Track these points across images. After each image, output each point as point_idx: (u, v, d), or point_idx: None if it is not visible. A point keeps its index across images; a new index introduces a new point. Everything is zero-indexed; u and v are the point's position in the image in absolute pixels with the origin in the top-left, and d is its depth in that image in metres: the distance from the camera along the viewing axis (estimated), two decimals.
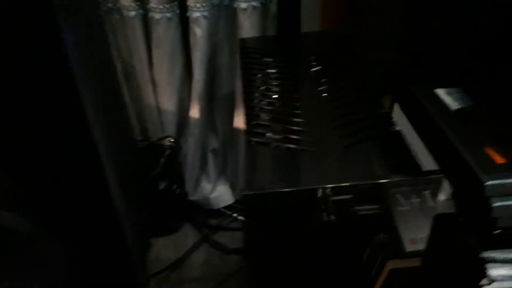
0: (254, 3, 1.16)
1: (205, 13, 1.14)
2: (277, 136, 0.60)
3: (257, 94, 0.71)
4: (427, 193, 0.72)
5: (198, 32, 1.17)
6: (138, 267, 0.93)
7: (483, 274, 0.69)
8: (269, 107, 0.67)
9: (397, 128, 0.85)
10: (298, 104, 0.68)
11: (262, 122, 0.63)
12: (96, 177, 0.71)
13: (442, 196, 0.68)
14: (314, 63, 0.83)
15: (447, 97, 0.72)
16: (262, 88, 0.73)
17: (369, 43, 1.11)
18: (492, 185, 0.55)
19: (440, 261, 0.80)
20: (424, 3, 0.73)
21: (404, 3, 0.80)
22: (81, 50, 0.65)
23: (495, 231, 0.58)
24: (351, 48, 1.06)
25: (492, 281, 0.68)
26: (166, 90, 1.32)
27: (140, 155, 1.36)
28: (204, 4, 1.14)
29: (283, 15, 1.20)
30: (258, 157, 0.56)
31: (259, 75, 0.79)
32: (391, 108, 0.90)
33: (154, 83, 1.33)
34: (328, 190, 0.50)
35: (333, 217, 0.53)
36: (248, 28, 1.19)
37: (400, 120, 0.84)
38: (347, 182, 0.49)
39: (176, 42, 1.23)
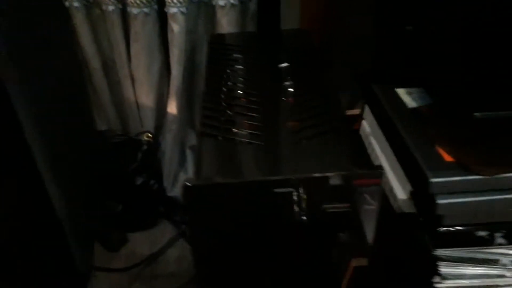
0: (232, 1, 1.16)
1: (183, 9, 1.15)
2: (230, 129, 0.60)
3: (218, 89, 0.71)
4: (389, 192, 0.73)
5: (176, 28, 1.18)
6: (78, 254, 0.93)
7: (436, 272, 0.70)
8: (228, 102, 0.67)
9: (364, 127, 0.86)
10: (258, 99, 0.68)
11: (218, 116, 0.63)
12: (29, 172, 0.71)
13: (403, 195, 0.69)
14: (284, 60, 0.84)
15: (406, 96, 0.73)
16: (225, 82, 0.74)
17: (341, 43, 1.11)
18: (438, 183, 0.56)
19: (398, 259, 0.80)
20: (396, 7, 0.74)
21: (376, 7, 0.81)
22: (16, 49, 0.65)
23: (442, 228, 0.59)
24: (323, 47, 1.07)
25: (444, 279, 0.69)
26: (144, 86, 1.32)
27: (115, 150, 1.36)
28: (181, 0, 1.14)
29: (262, 13, 1.21)
30: (207, 150, 0.56)
31: (227, 70, 0.79)
32: (363, 108, 0.91)
33: (133, 78, 1.33)
34: (273, 182, 0.50)
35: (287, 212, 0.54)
36: (226, 25, 1.19)
37: (369, 119, 0.85)
38: (289, 176, 0.50)
39: (154, 37, 1.23)
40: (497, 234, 0.70)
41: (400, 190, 0.68)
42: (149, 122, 1.39)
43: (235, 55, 0.86)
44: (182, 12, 1.15)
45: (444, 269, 0.69)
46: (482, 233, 0.71)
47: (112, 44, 1.29)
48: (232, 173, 0.52)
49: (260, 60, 0.86)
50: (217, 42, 0.92)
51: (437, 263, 0.70)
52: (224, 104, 0.66)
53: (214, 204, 0.51)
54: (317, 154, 0.56)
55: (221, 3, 1.16)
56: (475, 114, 0.64)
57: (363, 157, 0.56)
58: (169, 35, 1.21)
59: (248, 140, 0.56)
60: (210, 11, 1.21)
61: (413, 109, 0.67)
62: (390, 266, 0.83)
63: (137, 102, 1.37)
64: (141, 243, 1.40)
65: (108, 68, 1.36)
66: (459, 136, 0.61)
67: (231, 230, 0.55)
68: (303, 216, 0.55)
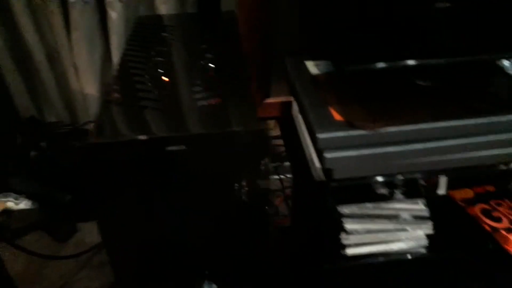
0: None
1: None
2: (134, 97, 0.63)
3: (135, 65, 0.74)
4: (310, 162, 0.77)
5: (114, 15, 1.20)
6: None
7: (342, 229, 0.75)
8: (139, 74, 0.70)
9: (293, 106, 0.90)
10: (168, 73, 0.72)
11: (125, 86, 0.66)
12: None
13: (319, 164, 0.73)
14: (208, 40, 0.87)
15: (313, 67, 0.77)
16: (143, 60, 0.77)
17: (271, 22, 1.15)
18: (324, 138, 0.60)
19: (317, 222, 0.85)
20: None
21: None
22: None
23: (333, 183, 0.63)
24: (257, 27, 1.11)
25: (349, 234, 0.74)
26: (88, 74, 1.33)
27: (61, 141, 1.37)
28: None
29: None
30: (106, 116, 0.59)
31: (149, 50, 0.82)
32: None
33: (76, 68, 1.34)
34: (163, 140, 0.53)
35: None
36: (165, 11, 1.22)
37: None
38: (177, 133, 0.53)
39: (94, 25, 1.25)
40: (397, 191, 0.76)
41: (316, 159, 0.73)
42: (95, 111, 1.40)
43: (160, 36, 0.89)
44: (119, 0, 1.17)
45: (349, 225, 0.74)
46: (383, 190, 0.77)
47: (54, 34, 1.30)
48: (125, 134, 0.54)
49: (184, 40, 0.89)
50: (144, 23, 0.95)
51: (342, 220, 0.75)
52: (134, 77, 0.69)
53: (108, 164, 0.54)
54: (211, 117, 0.60)
55: None
56: (363, 77, 0.69)
57: (252, 122, 0.58)
58: (108, 23, 1.22)
59: (154, 106, 0.59)
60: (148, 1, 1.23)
61: (313, 76, 0.72)
62: (311, 230, 0.88)
63: (82, 91, 1.38)
64: (90, 233, 1.40)
65: (53, 59, 1.37)
66: (347, 97, 0.66)
67: (128, 191, 0.58)
68: (198, 174, 0.58)
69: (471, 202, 0.85)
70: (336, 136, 0.60)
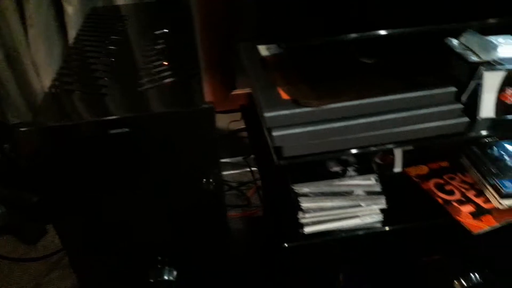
0: None
1: None
2: (80, 84, 0.63)
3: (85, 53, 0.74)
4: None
5: (70, 10, 1.18)
6: None
7: (299, 207, 0.76)
8: (89, 62, 0.70)
9: None
10: (119, 59, 0.71)
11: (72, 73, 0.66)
12: None
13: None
14: (163, 27, 0.87)
15: (264, 51, 0.78)
16: (94, 49, 0.76)
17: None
18: (271, 117, 0.61)
19: (272, 203, 0.86)
20: None
21: None
22: None
23: (282, 161, 0.64)
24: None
25: (306, 212, 0.75)
26: (48, 72, 1.30)
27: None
28: None
29: None
30: (49, 102, 0.58)
31: (103, 39, 0.81)
32: None
33: (36, 66, 1.31)
34: (105, 122, 0.53)
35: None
36: (123, 3, 1.21)
37: None
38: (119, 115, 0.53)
39: (50, 21, 1.23)
40: (349, 168, 0.78)
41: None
42: None
43: (112, 25, 0.89)
44: None
45: (305, 204, 0.76)
46: (336, 168, 0.78)
47: (11, 32, 1.27)
48: (67, 119, 0.54)
49: (139, 27, 0.89)
50: (97, 14, 0.95)
51: (298, 199, 0.76)
52: (83, 65, 0.68)
53: (52, 149, 0.54)
54: (157, 100, 0.60)
55: None
56: (309, 57, 0.71)
57: (197, 102, 0.59)
58: (65, 18, 1.20)
59: (99, 92, 0.59)
60: None
61: (262, 58, 0.73)
62: (272, 211, 0.89)
63: (44, 90, 1.35)
64: None
65: (12, 58, 1.33)
66: (294, 77, 0.67)
67: (75, 176, 0.58)
68: (145, 157, 0.58)
69: (426, 177, 0.88)
70: (283, 114, 0.61)
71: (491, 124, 0.70)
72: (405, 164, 0.94)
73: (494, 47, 0.84)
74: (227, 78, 1.35)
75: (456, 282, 0.96)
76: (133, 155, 0.58)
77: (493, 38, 0.90)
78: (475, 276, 0.95)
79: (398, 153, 0.91)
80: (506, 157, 0.87)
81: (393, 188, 0.88)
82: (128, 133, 0.55)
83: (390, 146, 0.66)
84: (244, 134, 1.45)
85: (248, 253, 1.19)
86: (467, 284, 0.94)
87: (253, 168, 1.49)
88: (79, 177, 0.58)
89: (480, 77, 0.69)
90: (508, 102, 0.69)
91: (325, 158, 0.67)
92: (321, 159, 0.67)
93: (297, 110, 0.61)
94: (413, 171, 0.89)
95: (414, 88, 0.64)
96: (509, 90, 0.68)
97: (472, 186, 0.85)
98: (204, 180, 0.63)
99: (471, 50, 0.86)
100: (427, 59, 0.77)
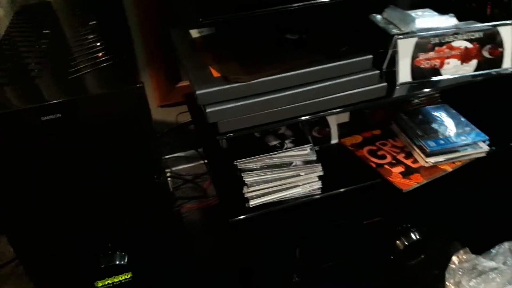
0: None
1: None
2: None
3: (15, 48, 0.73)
4: None
5: (1, 12, 1.14)
6: None
7: (243, 182, 0.79)
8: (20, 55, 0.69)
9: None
10: (46, 50, 0.71)
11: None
12: None
13: None
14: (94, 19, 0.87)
15: (196, 34, 0.80)
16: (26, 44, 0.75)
17: None
18: (203, 94, 0.64)
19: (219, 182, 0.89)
20: None
21: None
22: None
23: (219, 136, 0.67)
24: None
25: (250, 186, 0.78)
26: None
27: None
28: None
29: None
30: None
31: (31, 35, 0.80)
32: None
33: None
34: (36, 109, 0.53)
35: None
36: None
37: None
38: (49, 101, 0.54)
39: None
40: (287, 141, 0.82)
41: None
42: None
43: (44, 20, 0.87)
44: None
45: (247, 178, 0.79)
46: (274, 142, 0.82)
47: None
48: None
49: (71, 20, 0.89)
50: (27, 11, 0.93)
51: (241, 174, 0.80)
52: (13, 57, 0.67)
53: None
54: (88, 84, 0.61)
55: None
56: (237, 36, 0.74)
57: (126, 83, 0.60)
58: None
59: (24, 82, 0.59)
60: None
61: (192, 40, 0.75)
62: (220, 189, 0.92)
63: None
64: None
65: None
66: (224, 55, 0.70)
67: (14, 171, 0.58)
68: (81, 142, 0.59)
69: (360, 145, 0.94)
70: (214, 90, 0.64)
71: (409, 87, 0.76)
72: (343, 136, 1.00)
73: (412, 19, 0.91)
74: (170, 70, 1.36)
75: (398, 241, 1.03)
76: (70, 142, 0.58)
77: (413, 12, 0.98)
78: (414, 234, 1.03)
79: (333, 126, 0.97)
80: (430, 121, 0.95)
81: (331, 159, 0.93)
82: (61, 118, 0.55)
83: (319, 114, 0.70)
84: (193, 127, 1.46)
85: (204, 240, 1.21)
86: (407, 242, 1.02)
87: (206, 160, 1.51)
88: (19, 172, 0.58)
89: (396, 45, 0.75)
90: (422, 66, 0.75)
91: (258, 130, 0.70)
92: (255, 131, 0.70)
93: (228, 86, 0.64)
94: (349, 141, 0.95)
95: (334, 59, 0.68)
96: (422, 55, 0.75)
97: (402, 149, 0.91)
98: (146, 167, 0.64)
99: (393, 23, 0.93)
100: (349, 33, 0.82)
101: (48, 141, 0.57)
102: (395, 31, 0.92)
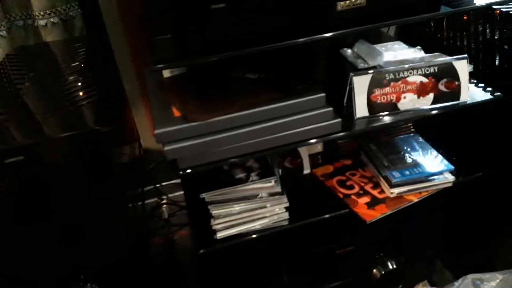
0: (52, 20, 1.22)
1: (2, 33, 1.18)
2: None
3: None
4: None
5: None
6: None
7: (210, 215, 0.80)
8: None
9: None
10: (28, 95, 0.75)
11: None
12: None
13: None
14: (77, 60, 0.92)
15: (167, 74, 0.84)
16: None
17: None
18: (161, 133, 0.66)
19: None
20: None
21: None
22: None
23: (181, 172, 0.69)
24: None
25: (216, 219, 0.80)
26: None
27: None
28: (2, 23, 1.17)
29: (88, 28, 1.28)
30: None
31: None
32: None
33: None
34: None
35: None
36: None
37: None
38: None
39: None
40: (253, 173, 0.84)
41: None
42: None
43: (32, 62, 0.93)
44: (1, 36, 1.19)
45: (214, 210, 0.81)
46: (240, 175, 0.84)
47: None
48: None
49: (58, 63, 0.94)
50: (20, 52, 0.99)
51: (208, 207, 0.81)
52: None
53: None
54: (54, 127, 0.64)
55: (42, 23, 1.22)
56: (202, 77, 0.77)
57: (85, 126, 0.63)
58: None
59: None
60: (36, 31, 1.26)
61: (161, 80, 0.78)
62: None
63: None
64: None
65: None
66: (186, 95, 0.73)
67: None
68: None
69: (330, 176, 0.94)
70: (172, 129, 0.66)
71: (366, 122, 0.77)
72: (316, 166, 1.01)
73: (379, 53, 0.93)
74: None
75: (375, 270, 1.02)
76: (34, 181, 0.61)
77: (382, 45, 1.00)
78: (390, 262, 1.01)
79: (305, 156, 0.98)
80: (398, 151, 0.95)
81: (302, 189, 0.94)
82: (24, 161, 0.58)
83: (274, 150, 0.72)
84: None
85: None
86: (384, 270, 1.00)
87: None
88: None
89: (352, 82, 0.76)
90: (378, 101, 0.76)
91: (217, 166, 0.72)
92: (214, 167, 0.72)
93: (185, 125, 0.66)
94: (320, 171, 0.96)
95: (289, 97, 0.70)
96: (378, 91, 0.76)
97: (370, 179, 0.92)
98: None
99: (361, 57, 0.95)
100: (308, 71, 0.85)
101: (12, 181, 0.60)
102: (362, 65, 0.93)
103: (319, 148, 1.02)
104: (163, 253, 1.39)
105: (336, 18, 0.62)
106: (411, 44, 0.97)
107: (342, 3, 0.61)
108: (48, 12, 1.22)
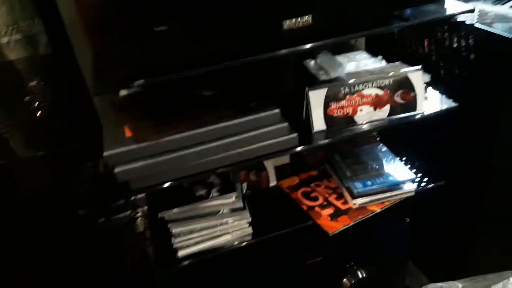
0: (14, 37, 1.20)
1: None
2: None
3: None
4: None
5: None
6: None
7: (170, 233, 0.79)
8: None
9: None
10: None
11: None
12: None
13: None
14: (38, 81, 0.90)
15: (123, 92, 0.82)
16: None
17: None
18: (110, 155, 0.64)
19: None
20: None
21: None
22: None
23: (131, 193, 0.67)
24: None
25: (177, 237, 0.78)
26: None
27: None
28: None
29: (53, 43, 1.26)
30: None
31: None
32: None
33: None
34: None
35: None
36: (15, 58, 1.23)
37: None
38: None
39: None
40: (214, 190, 0.82)
41: None
42: None
43: None
44: None
45: (174, 228, 0.79)
46: (201, 192, 0.82)
47: None
48: None
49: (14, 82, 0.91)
50: None
51: (167, 225, 0.79)
52: None
53: None
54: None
55: (4, 40, 1.19)
56: (155, 95, 0.76)
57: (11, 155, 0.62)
58: None
59: None
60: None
61: (112, 100, 0.77)
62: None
63: None
64: None
65: None
66: (139, 115, 0.71)
67: None
68: None
69: (296, 187, 0.93)
70: (122, 151, 0.64)
71: (324, 135, 0.77)
72: (283, 177, 1.00)
73: (340, 65, 0.93)
74: None
75: (345, 279, 1.01)
76: None
77: (345, 56, 1.00)
78: (361, 272, 1.00)
79: (270, 169, 0.97)
80: (361, 161, 0.94)
81: (267, 202, 0.93)
82: None
83: (229, 168, 0.71)
84: None
85: None
86: (354, 280, 1.00)
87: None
88: None
89: (308, 97, 0.76)
90: (335, 115, 0.76)
91: (172, 185, 0.71)
92: (169, 187, 0.70)
93: (135, 146, 0.65)
94: (286, 183, 0.95)
95: (243, 114, 0.69)
96: (334, 104, 0.76)
97: (334, 190, 0.91)
98: None
99: (323, 69, 0.94)
100: (270, 84, 0.84)
101: None
102: (324, 77, 0.93)
103: (286, 159, 1.01)
104: (138, 267, 1.37)
105: (282, 37, 0.61)
106: (378, 53, 0.97)
107: (288, 22, 0.60)
108: (10, 28, 1.20)
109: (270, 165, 0.95)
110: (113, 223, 1.19)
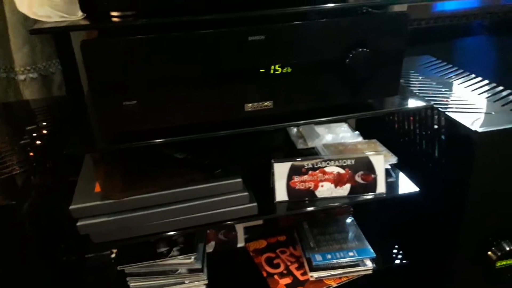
0: (31, 75, 1.29)
1: None
2: None
3: None
4: None
5: None
6: None
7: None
8: None
9: None
10: None
11: None
12: None
13: None
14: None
15: None
16: None
17: None
18: (76, 209, 0.67)
19: None
20: None
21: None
22: None
23: (91, 247, 0.69)
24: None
25: None
26: None
27: None
28: None
29: (68, 83, 1.34)
30: None
31: None
32: None
33: None
34: None
35: None
36: (29, 97, 1.30)
37: None
38: None
39: None
40: (175, 248, 0.84)
41: None
42: None
43: None
44: None
45: (133, 283, 0.80)
46: (162, 249, 0.84)
47: None
48: None
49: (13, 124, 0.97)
50: None
51: (126, 279, 0.80)
52: None
53: None
54: None
55: (21, 77, 1.28)
56: (131, 154, 0.79)
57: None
58: None
59: None
60: (16, 84, 1.31)
61: (91, 155, 0.81)
62: None
63: None
64: None
65: None
66: (111, 171, 0.75)
67: None
68: None
69: (261, 251, 0.94)
70: (87, 206, 0.67)
71: (287, 206, 0.79)
72: (252, 239, 1.01)
73: (317, 136, 0.97)
74: None
75: None
76: None
77: (327, 127, 1.04)
78: None
79: (239, 229, 0.98)
80: (327, 232, 0.95)
81: (230, 264, 0.93)
82: None
83: (191, 230, 0.73)
84: None
85: None
86: None
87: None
88: None
89: (273, 168, 0.79)
90: (297, 187, 0.78)
91: (132, 243, 0.73)
92: (128, 244, 0.72)
93: (100, 202, 0.68)
94: (253, 246, 0.95)
95: (207, 180, 0.72)
96: (297, 178, 0.78)
97: (298, 259, 0.91)
98: None
99: (303, 137, 0.98)
100: (245, 149, 0.87)
101: None
102: (301, 145, 0.97)
103: (259, 220, 1.02)
104: None
105: (245, 117, 0.66)
106: (365, 126, 1.00)
107: (250, 105, 0.65)
108: (28, 68, 1.29)
109: (240, 226, 0.97)
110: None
